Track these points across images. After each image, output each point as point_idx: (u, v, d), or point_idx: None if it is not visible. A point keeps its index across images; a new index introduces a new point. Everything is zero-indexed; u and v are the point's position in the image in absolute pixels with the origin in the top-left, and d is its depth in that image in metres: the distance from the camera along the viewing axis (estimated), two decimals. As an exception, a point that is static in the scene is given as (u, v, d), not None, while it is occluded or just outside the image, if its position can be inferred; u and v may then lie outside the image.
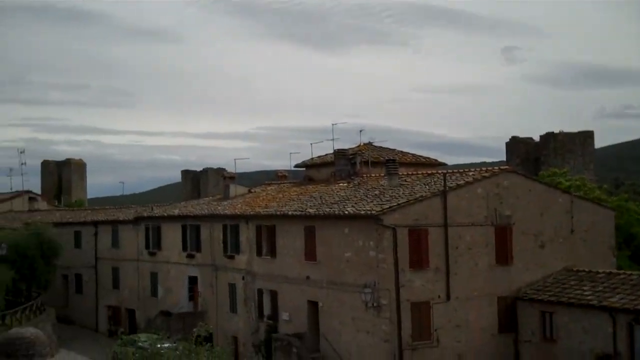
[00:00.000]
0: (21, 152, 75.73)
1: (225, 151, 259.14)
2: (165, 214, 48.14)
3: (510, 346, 32.29)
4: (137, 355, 18.85)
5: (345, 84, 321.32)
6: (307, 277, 34.83)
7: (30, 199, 70.49)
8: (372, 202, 32.58)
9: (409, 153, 43.68)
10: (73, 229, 55.81)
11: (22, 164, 74.57)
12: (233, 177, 48.90)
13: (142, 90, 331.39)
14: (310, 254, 34.68)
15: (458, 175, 34.20)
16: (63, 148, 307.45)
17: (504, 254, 32.54)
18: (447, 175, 33.15)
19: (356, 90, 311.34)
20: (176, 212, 47.74)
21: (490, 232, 32.33)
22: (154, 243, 48.24)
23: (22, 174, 73.88)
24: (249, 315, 39.34)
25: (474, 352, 31.53)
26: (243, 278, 39.88)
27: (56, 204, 75.89)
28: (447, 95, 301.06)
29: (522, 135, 76.60)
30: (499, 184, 32.81)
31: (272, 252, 37.53)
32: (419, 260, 30.73)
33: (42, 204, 70.28)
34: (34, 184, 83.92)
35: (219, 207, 44.27)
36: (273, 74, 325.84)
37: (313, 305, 34.65)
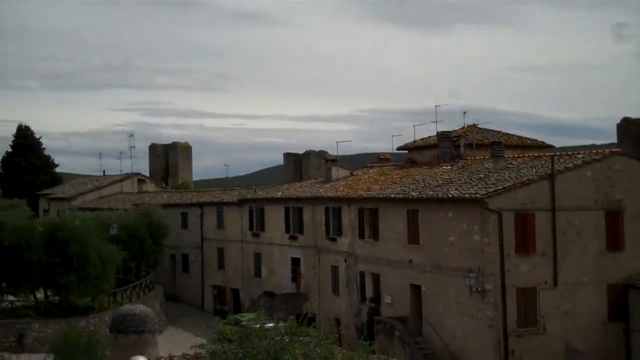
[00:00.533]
0: (130, 136, 78.95)
1: (327, 134, 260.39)
2: (269, 196, 48.76)
3: (620, 335, 31.19)
4: (240, 332, 19.07)
5: (448, 64, 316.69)
6: (410, 261, 34.61)
7: (139, 180, 72.76)
8: (476, 185, 32.03)
9: (514, 135, 42.75)
10: (180, 210, 57.24)
11: (131, 147, 77.73)
12: (335, 160, 49.00)
13: (244, 73, 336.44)
14: (413, 237, 34.43)
15: (566, 157, 33.19)
16: (169, 131, 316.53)
17: (614, 240, 31.45)
18: (554, 157, 32.30)
19: (459, 71, 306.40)
20: (279, 194, 48.28)
21: (600, 216, 31.30)
22: (257, 225, 48.94)
23: (131, 157, 77.04)
24: (351, 298, 39.45)
25: (582, 340, 30.63)
26: (345, 260, 40.00)
27: (163, 185, 78.01)
28: (553, 74, 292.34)
29: (634, 116, 73.59)
30: (609, 167, 31.70)
31: (375, 235, 37.45)
32: (525, 245, 30.07)
33: (150, 186, 72.46)
34: (143, 167, 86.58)
35: (321, 190, 44.49)
36: (374, 55, 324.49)
37: (416, 289, 34.43)
